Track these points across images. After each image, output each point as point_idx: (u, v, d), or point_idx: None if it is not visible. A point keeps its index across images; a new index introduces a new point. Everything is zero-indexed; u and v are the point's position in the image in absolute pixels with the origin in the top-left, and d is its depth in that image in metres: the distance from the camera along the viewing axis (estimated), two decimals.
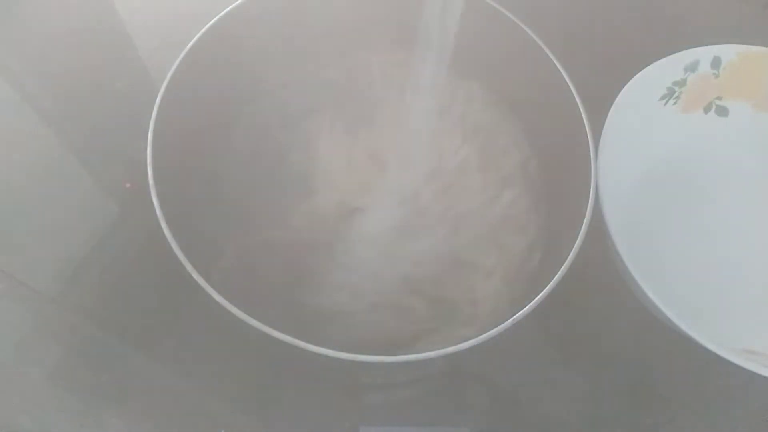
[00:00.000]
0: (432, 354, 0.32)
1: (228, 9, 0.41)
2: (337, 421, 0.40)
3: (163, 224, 0.34)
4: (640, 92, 0.45)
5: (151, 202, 0.35)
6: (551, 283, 0.34)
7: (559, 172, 0.44)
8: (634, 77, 0.44)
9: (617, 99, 0.43)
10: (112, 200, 0.47)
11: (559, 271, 0.35)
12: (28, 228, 0.45)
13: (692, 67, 0.47)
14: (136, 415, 0.39)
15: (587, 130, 0.40)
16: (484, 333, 0.32)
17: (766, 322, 0.43)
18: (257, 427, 0.39)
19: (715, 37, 0.48)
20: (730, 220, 0.48)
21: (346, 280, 0.42)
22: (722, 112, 0.49)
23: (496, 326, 0.33)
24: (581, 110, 0.40)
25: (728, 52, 0.47)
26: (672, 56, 0.46)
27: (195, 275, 0.33)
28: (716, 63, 0.47)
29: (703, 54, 0.47)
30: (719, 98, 0.49)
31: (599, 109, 0.43)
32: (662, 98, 0.47)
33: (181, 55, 0.40)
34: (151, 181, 0.36)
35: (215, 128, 0.47)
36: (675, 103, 0.48)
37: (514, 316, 0.33)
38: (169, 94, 0.39)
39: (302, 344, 0.31)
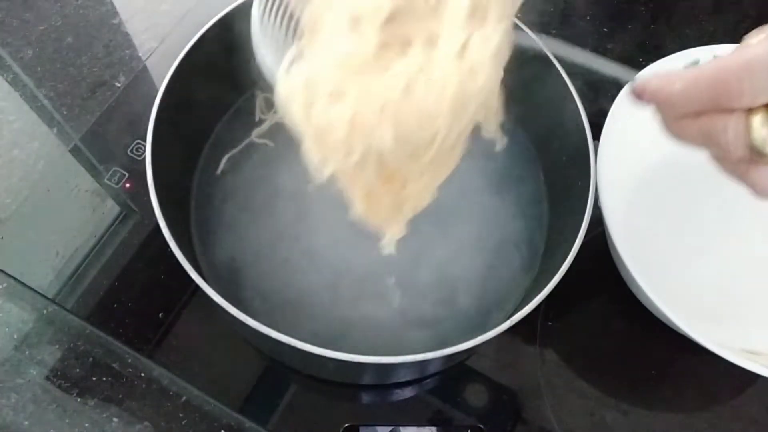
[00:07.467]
0: (432, 354, 0.32)
1: (228, 9, 0.41)
2: (337, 421, 0.40)
3: (163, 224, 0.34)
4: None
5: (151, 202, 0.35)
6: (551, 282, 0.34)
7: (560, 172, 0.44)
8: (634, 77, 0.44)
9: (617, 99, 0.43)
10: (112, 200, 0.47)
11: (559, 271, 0.35)
12: (28, 228, 0.45)
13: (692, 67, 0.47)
14: (136, 415, 0.39)
15: (587, 130, 0.40)
16: (485, 333, 0.32)
17: (766, 322, 0.43)
18: (257, 427, 0.39)
19: (715, 37, 0.48)
20: (730, 220, 0.48)
21: (346, 282, 0.42)
22: None
23: (497, 326, 0.33)
24: (581, 110, 0.40)
25: (728, 52, 0.47)
26: (672, 56, 0.46)
27: (194, 275, 0.33)
28: None
29: (703, 54, 0.47)
30: None
31: (599, 109, 0.43)
32: None
33: (181, 55, 0.40)
34: (150, 181, 0.36)
35: (215, 128, 0.47)
36: None
37: (514, 316, 0.33)
38: (169, 94, 0.39)
39: (302, 344, 0.31)
